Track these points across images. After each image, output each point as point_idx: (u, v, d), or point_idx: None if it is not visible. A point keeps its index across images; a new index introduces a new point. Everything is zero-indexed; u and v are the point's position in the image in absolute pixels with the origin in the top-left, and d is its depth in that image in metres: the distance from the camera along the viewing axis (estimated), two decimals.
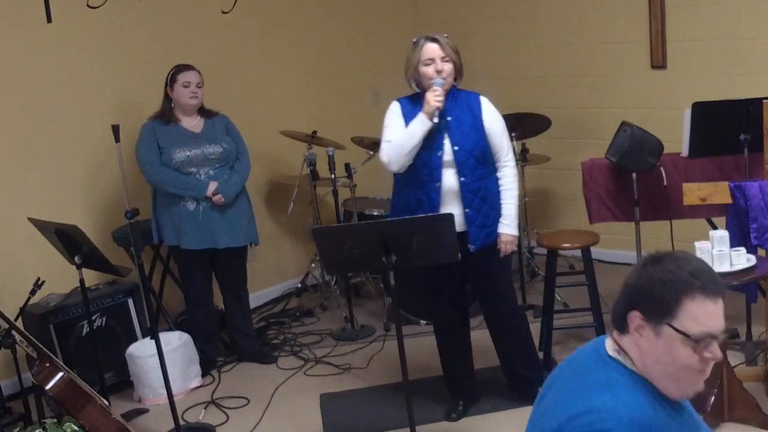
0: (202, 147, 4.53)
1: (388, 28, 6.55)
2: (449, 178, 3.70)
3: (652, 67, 5.62)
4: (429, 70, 3.68)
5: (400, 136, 3.68)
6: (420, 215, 3.61)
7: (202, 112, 4.65)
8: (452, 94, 3.74)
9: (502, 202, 3.81)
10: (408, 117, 3.74)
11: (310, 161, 5.28)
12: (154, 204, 4.61)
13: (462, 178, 3.68)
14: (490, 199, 3.77)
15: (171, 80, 4.54)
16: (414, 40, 3.77)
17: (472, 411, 4.04)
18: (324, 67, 6.15)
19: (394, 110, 3.81)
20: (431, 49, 3.68)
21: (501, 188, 3.81)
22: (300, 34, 5.99)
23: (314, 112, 6.01)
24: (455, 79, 3.76)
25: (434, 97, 3.61)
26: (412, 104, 3.77)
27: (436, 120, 3.60)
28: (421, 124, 3.63)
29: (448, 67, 3.69)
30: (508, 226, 3.81)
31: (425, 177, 3.70)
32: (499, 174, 3.82)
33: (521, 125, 5.40)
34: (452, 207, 3.69)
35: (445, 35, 3.75)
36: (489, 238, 3.79)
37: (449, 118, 3.70)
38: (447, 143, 3.69)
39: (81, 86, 4.86)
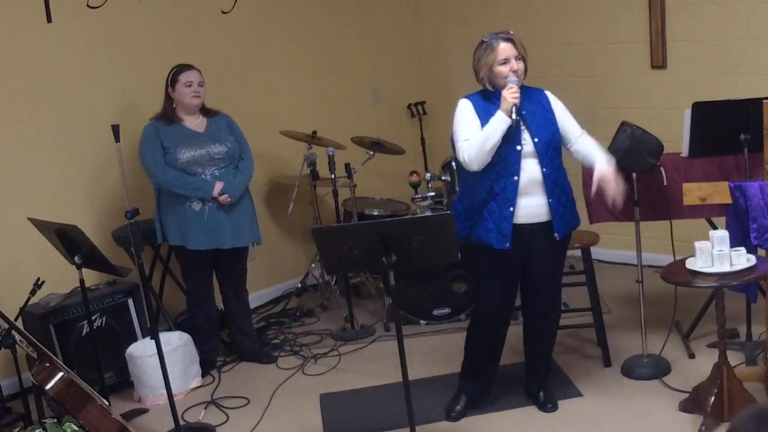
0: (207, 146, 4.53)
1: (388, 28, 6.55)
2: (531, 170, 3.70)
3: (652, 67, 5.62)
4: (504, 70, 3.68)
5: (479, 135, 3.64)
6: (423, 215, 3.60)
7: (204, 111, 4.65)
8: (521, 90, 3.71)
9: (594, 151, 3.79)
10: (481, 113, 3.71)
11: (310, 161, 5.28)
12: (159, 204, 4.60)
13: (544, 169, 3.71)
14: (566, 188, 3.82)
15: (172, 80, 4.53)
16: (485, 39, 3.74)
17: (472, 411, 4.04)
18: (324, 67, 6.15)
19: (467, 107, 3.76)
20: (506, 49, 3.68)
21: (588, 148, 3.81)
22: (300, 34, 5.99)
23: (314, 112, 6.01)
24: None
25: (511, 94, 3.60)
26: (484, 101, 3.75)
27: (514, 116, 3.61)
28: (501, 122, 3.62)
29: (522, 66, 3.72)
30: (608, 162, 3.73)
31: (502, 170, 3.68)
32: (581, 141, 3.83)
33: None
34: (535, 197, 3.71)
35: (511, 31, 3.75)
36: (569, 227, 3.85)
37: (523, 112, 3.70)
38: (526, 135, 3.70)
39: (81, 86, 4.86)
